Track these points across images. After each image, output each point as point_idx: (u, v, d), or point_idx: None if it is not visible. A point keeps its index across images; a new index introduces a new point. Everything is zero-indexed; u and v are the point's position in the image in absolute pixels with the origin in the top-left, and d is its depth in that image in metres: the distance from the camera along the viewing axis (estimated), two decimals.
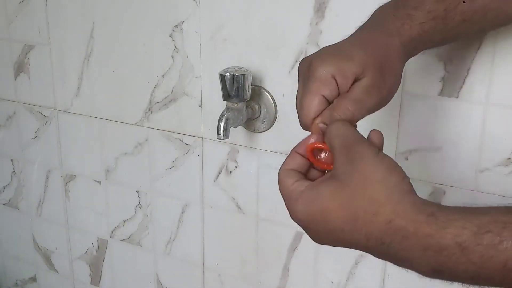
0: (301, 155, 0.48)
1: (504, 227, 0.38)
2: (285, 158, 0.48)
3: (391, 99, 0.50)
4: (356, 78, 0.47)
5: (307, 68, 0.48)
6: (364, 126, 0.73)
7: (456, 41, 0.58)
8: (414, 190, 0.42)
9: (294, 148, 0.48)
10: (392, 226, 0.40)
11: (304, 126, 0.49)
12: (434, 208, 0.41)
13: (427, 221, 0.39)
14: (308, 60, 0.49)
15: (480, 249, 0.38)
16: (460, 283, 0.41)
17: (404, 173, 0.43)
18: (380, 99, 0.48)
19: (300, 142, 0.48)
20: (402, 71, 0.50)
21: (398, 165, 0.43)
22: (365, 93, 0.47)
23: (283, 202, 0.47)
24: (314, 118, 0.48)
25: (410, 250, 0.40)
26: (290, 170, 0.47)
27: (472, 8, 0.49)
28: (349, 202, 0.42)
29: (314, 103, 0.47)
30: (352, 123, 0.47)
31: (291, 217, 0.46)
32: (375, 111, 0.49)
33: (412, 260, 0.40)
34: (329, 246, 0.46)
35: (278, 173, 0.47)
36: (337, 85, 0.47)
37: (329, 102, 0.48)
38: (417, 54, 0.52)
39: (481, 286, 0.40)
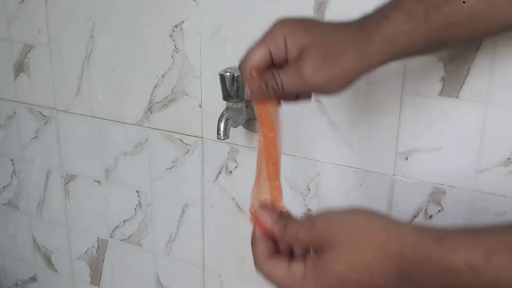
0: (264, 235, 0.47)
1: None
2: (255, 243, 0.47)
3: (333, 91, 0.49)
4: (302, 49, 0.48)
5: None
6: (364, 126, 0.73)
7: (445, 48, 0.55)
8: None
9: (254, 234, 0.48)
10: (405, 258, 0.40)
11: (241, 70, 0.50)
12: (438, 232, 0.41)
13: (435, 245, 0.39)
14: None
15: (490, 270, 0.37)
16: None
17: (379, 211, 0.43)
18: (311, 81, 0.48)
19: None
20: (356, 67, 0.48)
21: (368, 208, 0.43)
22: (299, 68, 0.48)
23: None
24: (253, 68, 0.49)
25: (425, 276, 0.40)
26: (272, 256, 0.46)
27: (458, 10, 0.46)
28: (355, 257, 0.41)
29: (259, 52, 0.49)
30: (278, 95, 0.49)
31: None
32: (306, 91, 0.51)
33: (428, 285, 0.40)
34: None
35: (260, 267, 0.46)
36: (286, 46, 0.48)
37: (272, 60, 0.49)
38: (396, 59, 0.50)
39: None
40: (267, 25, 0.74)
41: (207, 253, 0.92)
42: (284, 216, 0.47)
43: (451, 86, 0.65)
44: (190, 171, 0.89)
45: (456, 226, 0.41)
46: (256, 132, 0.80)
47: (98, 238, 1.05)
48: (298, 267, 0.44)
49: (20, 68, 1.02)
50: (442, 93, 0.66)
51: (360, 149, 0.74)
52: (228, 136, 0.73)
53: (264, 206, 0.48)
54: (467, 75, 0.64)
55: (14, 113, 1.06)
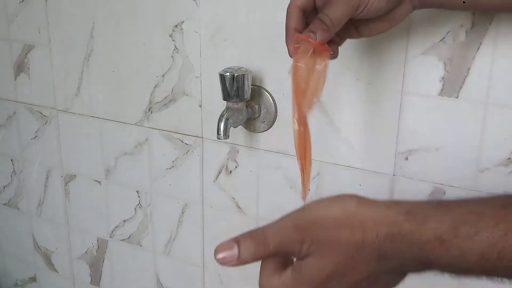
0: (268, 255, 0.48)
1: (479, 219, 0.38)
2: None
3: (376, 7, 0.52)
4: None
5: None
6: (364, 126, 0.73)
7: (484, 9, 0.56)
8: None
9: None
10: (380, 238, 0.41)
11: (286, 28, 0.54)
12: (409, 206, 0.41)
13: (406, 219, 0.40)
14: None
15: (458, 242, 0.38)
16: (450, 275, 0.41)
17: (347, 194, 0.44)
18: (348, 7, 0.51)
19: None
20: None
21: (344, 195, 0.44)
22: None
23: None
24: (297, 7, 0.53)
25: (400, 252, 0.41)
26: (269, 273, 0.47)
27: None
28: (336, 249, 0.42)
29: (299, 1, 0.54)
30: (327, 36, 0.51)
31: None
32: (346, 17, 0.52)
33: (405, 260, 0.41)
34: None
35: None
36: None
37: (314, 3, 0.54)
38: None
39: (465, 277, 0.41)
40: (267, 24, 0.75)
41: (207, 253, 0.92)
42: (256, 235, 0.50)
43: (451, 86, 0.65)
44: (190, 171, 0.89)
45: (426, 199, 0.42)
46: (255, 132, 0.80)
47: (98, 238, 1.05)
48: (286, 275, 0.45)
49: (20, 68, 1.02)
50: (442, 93, 0.66)
51: (360, 149, 0.74)
52: (228, 136, 0.73)
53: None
54: (467, 75, 0.64)
55: (14, 113, 1.06)
